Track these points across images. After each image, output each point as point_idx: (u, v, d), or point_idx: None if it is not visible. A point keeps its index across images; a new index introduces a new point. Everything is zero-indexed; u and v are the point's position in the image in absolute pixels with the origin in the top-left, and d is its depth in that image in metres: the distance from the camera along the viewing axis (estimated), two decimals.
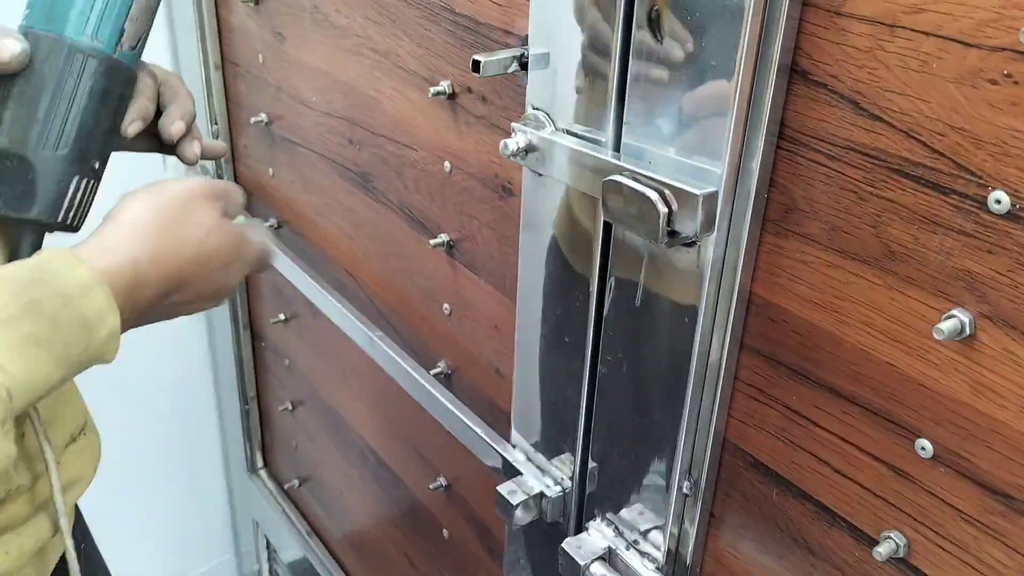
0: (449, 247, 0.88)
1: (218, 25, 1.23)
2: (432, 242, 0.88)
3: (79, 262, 0.53)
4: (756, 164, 0.54)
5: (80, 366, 0.54)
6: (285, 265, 1.18)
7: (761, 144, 0.53)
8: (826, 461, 0.58)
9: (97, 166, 0.63)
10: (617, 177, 0.57)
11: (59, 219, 0.62)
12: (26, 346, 0.49)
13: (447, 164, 0.84)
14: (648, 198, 0.55)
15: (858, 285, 0.52)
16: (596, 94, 0.62)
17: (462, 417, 0.86)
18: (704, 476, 0.65)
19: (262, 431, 1.61)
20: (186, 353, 1.63)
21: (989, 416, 0.48)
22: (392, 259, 1.00)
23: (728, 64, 0.51)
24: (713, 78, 0.53)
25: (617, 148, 0.61)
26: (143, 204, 0.60)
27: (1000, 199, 0.44)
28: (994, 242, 0.45)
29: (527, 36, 0.68)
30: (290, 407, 1.44)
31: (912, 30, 0.45)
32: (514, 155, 0.65)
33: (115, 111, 0.64)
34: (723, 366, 0.61)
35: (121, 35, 0.62)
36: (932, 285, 0.48)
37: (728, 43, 0.51)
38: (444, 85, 0.80)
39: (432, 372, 0.95)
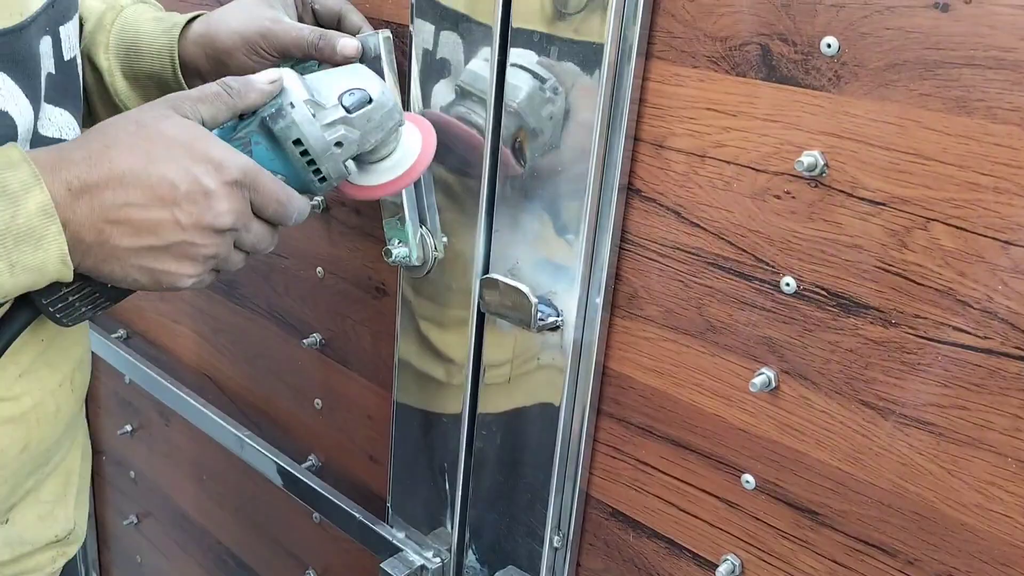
0: (322, 345, 0.96)
1: None
2: (305, 342, 0.96)
3: (15, 146, 0.52)
4: (605, 262, 0.67)
5: (15, 240, 0.49)
6: (137, 373, 1.20)
7: (608, 247, 0.67)
8: (671, 502, 0.70)
9: None
10: (493, 275, 0.69)
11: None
12: None
13: (319, 270, 0.93)
14: (521, 291, 0.67)
15: (688, 354, 0.66)
16: (467, 208, 0.73)
17: (340, 504, 0.92)
18: (571, 529, 0.76)
19: (99, 549, 1.56)
20: None
21: (793, 449, 0.62)
22: (259, 360, 1.06)
23: (580, 186, 0.65)
24: (568, 196, 0.66)
25: (488, 248, 0.73)
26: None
27: (789, 283, 0.59)
28: (787, 315, 0.60)
29: None
30: (135, 520, 1.42)
31: (717, 159, 0.60)
32: (396, 260, 0.76)
33: None
34: (584, 430, 0.72)
35: None
36: (744, 350, 0.63)
37: (580, 169, 0.65)
38: (317, 200, 0.89)
39: (304, 465, 1.01)
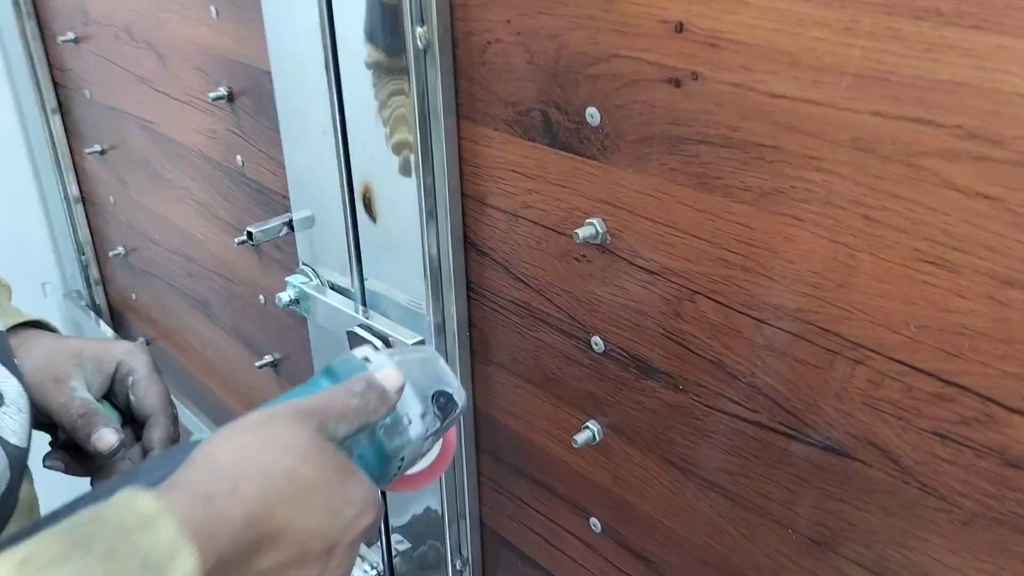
0: (273, 365, 1.01)
1: (74, 167, 1.35)
2: (257, 363, 1.01)
3: (142, 492, 0.41)
4: (455, 311, 0.68)
5: None
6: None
7: (454, 296, 0.68)
8: (544, 537, 0.72)
9: None
10: (355, 328, 0.71)
11: None
12: None
13: (261, 297, 0.98)
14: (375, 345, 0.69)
15: (535, 401, 0.67)
16: (343, 254, 0.76)
17: None
18: (470, 555, 0.79)
19: None
20: None
21: (626, 500, 0.62)
22: (237, 374, 1.12)
23: (415, 238, 0.66)
24: (408, 247, 0.67)
25: (363, 296, 0.75)
26: (218, 438, 0.46)
27: (597, 342, 0.59)
28: (601, 373, 0.60)
29: None
30: None
31: (526, 219, 0.60)
32: (287, 306, 0.79)
33: None
34: (465, 465, 0.75)
35: None
36: (575, 403, 0.63)
37: (412, 223, 0.66)
38: (245, 235, 0.93)
39: None
